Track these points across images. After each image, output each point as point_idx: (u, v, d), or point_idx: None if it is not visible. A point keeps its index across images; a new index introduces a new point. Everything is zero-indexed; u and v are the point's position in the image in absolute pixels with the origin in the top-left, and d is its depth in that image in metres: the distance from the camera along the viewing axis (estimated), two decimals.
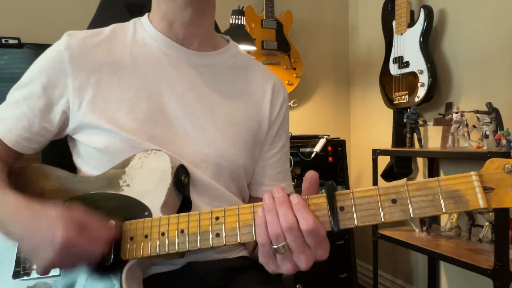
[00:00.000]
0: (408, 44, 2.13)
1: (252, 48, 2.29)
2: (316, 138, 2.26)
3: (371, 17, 2.66)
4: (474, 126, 1.81)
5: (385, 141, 2.47)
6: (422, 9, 2.06)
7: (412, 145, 2.05)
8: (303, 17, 2.75)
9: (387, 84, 2.30)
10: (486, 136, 1.66)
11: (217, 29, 1.08)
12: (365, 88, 2.77)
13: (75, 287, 0.71)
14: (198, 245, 0.65)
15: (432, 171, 2.18)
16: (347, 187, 2.34)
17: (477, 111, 1.74)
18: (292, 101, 2.52)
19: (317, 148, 2.20)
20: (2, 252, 0.77)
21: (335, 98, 2.89)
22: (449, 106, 2.05)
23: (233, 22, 2.21)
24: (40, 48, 0.84)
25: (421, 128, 2.03)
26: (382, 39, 2.36)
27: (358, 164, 2.85)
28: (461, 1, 2.04)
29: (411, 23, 2.13)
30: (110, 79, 0.81)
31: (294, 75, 2.59)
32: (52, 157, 0.93)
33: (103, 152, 0.78)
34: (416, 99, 2.08)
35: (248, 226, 0.63)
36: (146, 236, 0.68)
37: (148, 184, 0.73)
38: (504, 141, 1.56)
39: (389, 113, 2.40)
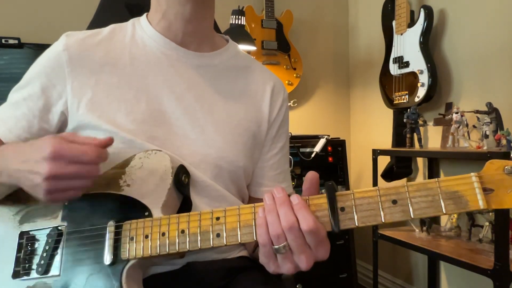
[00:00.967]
0: (408, 44, 2.13)
1: (252, 48, 2.29)
2: (316, 138, 2.26)
3: (371, 17, 2.66)
4: (474, 126, 1.81)
5: (385, 141, 2.47)
6: (422, 9, 2.06)
7: (412, 145, 2.05)
8: (303, 17, 2.75)
9: (387, 84, 2.30)
10: (486, 136, 1.66)
11: (217, 29, 1.08)
12: (365, 88, 2.77)
13: (75, 287, 0.71)
14: (199, 245, 0.65)
15: (432, 171, 2.19)
16: (347, 187, 2.34)
17: (477, 111, 1.74)
18: (292, 101, 2.52)
19: (317, 148, 2.20)
20: (1, 252, 0.77)
21: (335, 98, 2.89)
22: (449, 106, 2.05)
23: (233, 22, 2.21)
24: (40, 48, 0.84)
25: (421, 128, 2.03)
26: (382, 39, 2.36)
27: (358, 164, 2.85)
28: (461, 1, 2.04)
29: (411, 23, 2.13)
30: (109, 80, 0.81)
31: (294, 75, 2.59)
32: None
33: None
34: (416, 99, 2.08)
35: (248, 226, 0.63)
36: (146, 236, 0.68)
37: (148, 184, 0.73)
38: (504, 141, 1.56)
39: (389, 113, 2.40)
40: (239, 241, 0.63)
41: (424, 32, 2.05)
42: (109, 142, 0.67)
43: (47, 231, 0.75)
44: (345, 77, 2.93)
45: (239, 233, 0.63)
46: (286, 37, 2.59)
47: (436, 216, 2.13)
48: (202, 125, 0.83)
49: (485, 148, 1.64)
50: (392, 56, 2.24)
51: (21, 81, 0.83)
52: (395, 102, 2.23)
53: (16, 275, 0.75)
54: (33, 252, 0.75)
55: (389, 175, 2.30)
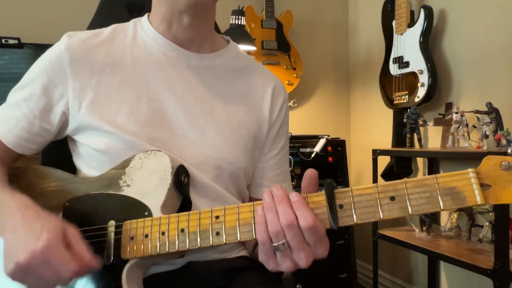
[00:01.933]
0: (408, 44, 2.13)
1: (252, 48, 2.29)
2: (316, 138, 2.26)
3: (371, 17, 2.67)
4: (474, 126, 1.81)
5: (385, 141, 2.47)
6: (422, 9, 2.06)
7: (412, 145, 2.05)
8: (303, 17, 2.75)
9: (387, 84, 2.30)
10: (486, 136, 1.66)
11: (217, 29, 1.08)
12: (365, 88, 2.77)
13: (75, 286, 0.71)
14: (198, 244, 0.65)
15: (432, 171, 2.18)
16: (347, 187, 2.33)
17: (477, 111, 1.74)
18: (292, 101, 2.52)
19: (317, 148, 2.20)
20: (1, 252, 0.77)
21: (335, 98, 2.89)
22: (449, 106, 2.05)
23: (233, 22, 2.22)
24: (40, 48, 0.84)
25: (421, 128, 2.03)
26: (382, 39, 2.36)
27: (358, 164, 2.85)
28: (461, 1, 2.04)
29: (411, 23, 2.13)
30: (111, 80, 0.81)
31: (294, 75, 2.59)
32: (52, 158, 0.93)
33: (104, 153, 0.78)
34: (416, 99, 2.08)
35: (248, 224, 0.63)
36: (146, 236, 0.68)
37: (148, 184, 0.74)
38: (504, 141, 1.56)
39: (389, 113, 2.40)
40: (239, 239, 0.63)
41: (424, 32, 2.06)
42: (98, 267, 0.65)
43: None
44: (345, 77, 2.93)
45: (238, 231, 0.63)
46: (286, 37, 2.59)
47: (435, 215, 2.13)
48: (202, 126, 0.83)
49: (485, 148, 1.64)
50: (392, 56, 2.24)
51: (21, 81, 0.83)
52: (395, 102, 2.23)
53: None
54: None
55: (389, 175, 2.30)
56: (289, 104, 1.00)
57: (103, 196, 0.75)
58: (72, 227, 0.66)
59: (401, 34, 2.17)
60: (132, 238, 0.69)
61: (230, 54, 0.92)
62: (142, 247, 0.68)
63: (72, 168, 0.86)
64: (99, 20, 1.08)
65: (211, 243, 0.64)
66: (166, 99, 0.82)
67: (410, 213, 0.57)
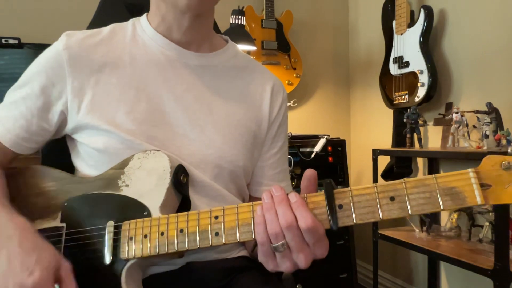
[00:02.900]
0: (408, 44, 2.13)
1: (252, 48, 2.29)
2: (316, 138, 2.26)
3: (371, 17, 2.66)
4: (474, 126, 1.81)
5: (385, 141, 2.47)
6: (422, 9, 2.06)
7: (412, 145, 2.05)
8: (303, 17, 2.75)
9: (387, 84, 2.30)
10: (486, 136, 1.66)
11: (217, 29, 1.08)
12: (365, 88, 2.77)
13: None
14: (198, 244, 0.65)
15: (432, 171, 2.18)
16: (347, 187, 2.33)
17: (477, 111, 1.74)
18: (292, 101, 2.52)
19: (317, 148, 2.20)
20: None
21: (335, 98, 2.89)
22: (449, 106, 2.05)
23: (233, 22, 2.22)
24: (40, 48, 0.84)
25: (421, 128, 2.03)
26: (382, 39, 2.36)
27: (358, 164, 2.85)
28: (461, 1, 2.04)
29: (411, 23, 2.13)
30: (109, 79, 0.81)
31: (294, 75, 2.59)
32: (52, 157, 0.93)
33: (102, 152, 0.78)
34: (416, 99, 2.08)
35: (247, 225, 0.63)
36: (145, 236, 0.68)
37: (147, 184, 0.73)
38: (504, 141, 1.56)
39: (389, 113, 2.40)
40: (238, 239, 0.63)
41: (424, 32, 2.05)
42: None
43: (47, 232, 0.75)
44: (345, 77, 2.93)
45: (237, 231, 0.63)
46: (286, 37, 2.59)
47: (435, 215, 2.13)
48: (201, 125, 0.83)
49: (485, 148, 1.64)
50: (392, 56, 2.24)
51: (20, 80, 0.83)
52: (395, 102, 2.23)
53: None
54: None
55: (389, 175, 2.30)
56: (289, 104, 1.00)
57: (102, 196, 0.75)
58: (66, 262, 0.66)
59: (401, 34, 2.17)
60: (131, 238, 0.69)
61: (229, 53, 0.92)
62: (141, 247, 0.68)
63: (71, 168, 0.86)
64: (99, 20, 1.07)
65: (210, 244, 0.64)
66: (165, 98, 0.82)
67: (410, 213, 0.57)
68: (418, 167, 2.34)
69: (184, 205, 0.77)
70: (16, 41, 1.92)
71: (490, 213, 1.69)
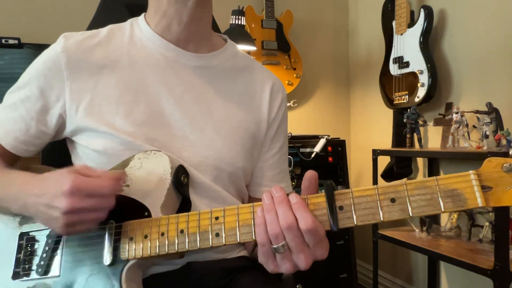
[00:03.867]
0: (408, 44, 2.13)
1: (252, 48, 2.29)
2: (316, 138, 2.26)
3: (371, 17, 2.66)
4: (474, 126, 1.81)
5: (385, 141, 2.46)
6: (422, 9, 2.06)
7: (412, 145, 2.05)
8: (303, 17, 2.75)
9: (387, 84, 2.29)
10: (486, 136, 1.66)
11: (217, 29, 1.08)
12: (365, 88, 2.77)
13: (75, 286, 0.71)
14: (198, 245, 0.65)
15: (432, 171, 2.18)
16: (347, 187, 2.33)
17: (477, 111, 1.74)
18: (292, 101, 2.52)
19: (317, 148, 2.20)
20: (1, 253, 0.77)
21: (335, 98, 2.89)
22: (449, 106, 2.05)
23: (233, 22, 2.21)
24: (40, 48, 0.83)
25: (421, 128, 2.03)
26: (382, 39, 2.36)
27: (358, 164, 2.85)
28: (461, 1, 2.04)
29: (411, 23, 2.13)
30: (108, 81, 0.80)
31: (294, 75, 2.59)
32: (52, 158, 0.93)
33: (102, 154, 0.78)
34: (416, 99, 2.08)
35: (247, 225, 0.63)
36: (145, 237, 0.68)
37: (147, 185, 0.73)
38: (504, 141, 1.56)
39: (389, 113, 2.40)
40: (238, 240, 0.63)
41: (424, 32, 2.05)
42: (123, 176, 0.69)
43: (47, 232, 0.75)
44: (345, 77, 2.93)
45: (238, 232, 0.63)
46: (286, 37, 2.59)
47: (436, 216, 2.13)
48: (201, 127, 0.83)
49: (485, 148, 1.64)
50: (392, 56, 2.24)
51: (18, 82, 0.83)
52: (395, 102, 2.23)
53: (16, 276, 0.75)
54: (33, 253, 0.75)
55: (389, 175, 2.30)
56: (289, 104, 1.00)
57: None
58: (78, 167, 0.68)
59: (401, 34, 2.17)
60: (131, 238, 0.69)
61: (228, 53, 0.92)
62: (142, 248, 0.68)
63: None
64: (99, 20, 1.07)
65: (210, 244, 0.64)
66: (165, 99, 0.82)
67: (410, 215, 0.57)
68: (418, 167, 2.34)
69: (185, 205, 0.76)
70: (16, 41, 1.92)
71: (490, 213, 1.69)
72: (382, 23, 2.35)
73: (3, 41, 1.90)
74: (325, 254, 0.60)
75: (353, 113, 2.93)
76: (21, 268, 0.75)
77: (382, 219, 0.57)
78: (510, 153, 1.42)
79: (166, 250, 0.66)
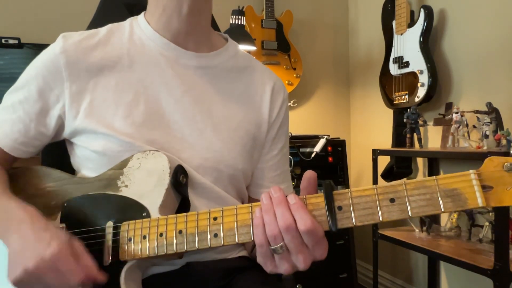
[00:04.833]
0: (408, 44, 2.13)
1: (252, 48, 2.29)
2: (316, 138, 2.26)
3: (371, 17, 2.66)
4: (474, 126, 1.81)
5: (385, 141, 2.46)
6: (422, 9, 2.06)
7: (412, 145, 2.05)
8: (303, 17, 2.75)
9: (387, 84, 2.29)
10: (486, 136, 1.66)
11: (217, 28, 1.08)
12: (365, 88, 2.77)
13: None
14: (196, 245, 0.64)
15: (432, 171, 2.18)
16: (347, 187, 2.33)
17: (477, 111, 1.73)
18: (292, 101, 2.52)
19: (317, 148, 2.20)
20: (1, 253, 0.77)
21: (335, 98, 2.89)
22: (449, 106, 2.05)
23: (233, 22, 2.21)
24: (40, 48, 0.83)
25: (421, 128, 2.03)
26: (382, 39, 2.36)
27: (358, 164, 2.85)
28: (461, 1, 2.04)
29: (411, 23, 2.13)
30: (108, 82, 0.80)
31: (294, 75, 2.59)
32: (52, 158, 0.93)
33: (101, 155, 0.78)
34: (416, 99, 2.07)
35: (246, 226, 0.62)
36: (144, 237, 0.68)
37: (146, 185, 0.73)
38: (504, 141, 1.56)
39: (389, 113, 2.39)
40: (237, 241, 0.62)
41: (424, 32, 2.05)
42: (101, 282, 0.66)
43: None
44: (345, 77, 2.93)
45: (236, 233, 0.63)
46: (286, 37, 2.59)
47: (435, 216, 2.13)
48: (201, 129, 0.82)
49: (485, 148, 1.64)
50: (392, 56, 2.23)
51: (17, 83, 0.82)
52: (395, 102, 2.23)
53: None
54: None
55: (389, 175, 2.30)
56: (289, 104, 0.99)
57: (101, 197, 0.75)
58: (77, 240, 0.67)
59: (401, 34, 2.17)
60: (130, 239, 0.69)
61: (229, 53, 0.91)
62: (140, 248, 0.68)
63: (71, 169, 0.86)
64: (99, 20, 1.07)
65: (209, 245, 0.64)
66: (164, 100, 0.81)
67: (410, 215, 0.56)
68: (418, 167, 2.34)
69: (184, 205, 0.76)
70: (16, 41, 1.92)
71: (490, 213, 1.69)
72: (382, 23, 2.35)
73: (3, 41, 1.90)
74: (324, 255, 0.60)
75: (353, 113, 2.92)
76: None
77: (381, 219, 0.57)
78: (511, 152, 1.42)
79: (165, 250, 0.66)
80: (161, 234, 0.67)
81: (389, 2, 2.28)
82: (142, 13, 0.88)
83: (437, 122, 1.98)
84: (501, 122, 1.66)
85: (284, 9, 2.62)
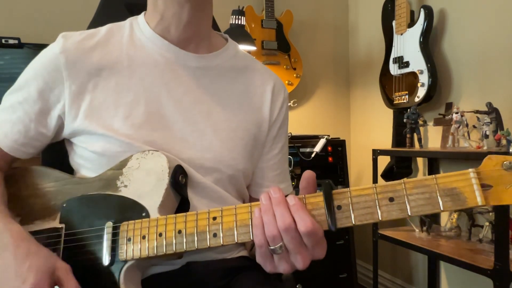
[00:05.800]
0: (408, 44, 2.13)
1: (252, 48, 2.29)
2: (316, 138, 2.26)
3: (371, 17, 2.66)
4: (474, 126, 1.81)
5: (385, 141, 2.46)
6: (422, 9, 2.06)
7: (412, 145, 2.04)
8: (303, 17, 2.75)
9: (387, 84, 2.29)
10: (486, 136, 1.66)
11: (217, 28, 1.08)
12: (365, 88, 2.77)
13: None
14: (196, 245, 0.64)
15: (432, 171, 2.18)
16: (347, 187, 2.33)
17: (477, 111, 1.73)
18: (292, 101, 2.52)
19: (317, 148, 2.20)
20: None
21: (335, 98, 2.89)
22: (449, 106, 2.05)
23: (233, 22, 2.21)
24: (40, 48, 0.83)
25: (421, 128, 2.03)
26: (382, 39, 2.36)
27: (358, 164, 2.85)
28: (461, 1, 2.04)
29: (411, 23, 2.13)
30: (107, 83, 0.79)
31: (294, 75, 2.59)
32: (52, 158, 0.92)
33: (101, 156, 0.78)
34: (416, 99, 2.07)
35: (245, 226, 0.62)
36: (143, 237, 0.68)
37: (145, 185, 0.73)
38: (504, 141, 1.56)
39: (389, 113, 2.39)
40: (236, 241, 0.62)
41: (424, 32, 2.05)
42: None
43: (46, 232, 0.75)
44: (345, 77, 2.93)
45: (235, 233, 0.63)
46: (286, 37, 2.59)
47: (435, 215, 2.13)
48: (201, 129, 0.82)
49: (485, 148, 1.64)
50: (392, 56, 2.23)
51: (16, 83, 0.82)
52: (395, 102, 2.23)
53: None
54: None
55: (389, 175, 2.30)
56: (289, 104, 0.99)
57: (101, 197, 0.75)
58: (62, 263, 0.67)
59: (401, 34, 2.17)
60: (129, 239, 0.69)
61: (229, 53, 0.91)
62: (139, 248, 0.67)
63: (70, 169, 0.86)
64: (99, 20, 1.07)
65: (208, 245, 0.64)
66: (164, 101, 0.81)
67: (409, 214, 0.56)
68: (418, 167, 2.34)
69: (183, 206, 0.76)
70: (16, 41, 1.92)
71: (490, 213, 1.69)
72: (382, 23, 2.35)
73: (3, 41, 1.90)
74: (323, 254, 0.60)
75: (353, 113, 2.92)
76: None
77: (380, 219, 0.57)
78: (510, 150, 1.42)
79: (164, 250, 0.66)
80: (160, 234, 0.67)
81: (389, 2, 2.28)
82: (142, 13, 0.88)
83: (437, 122, 1.98)
84: (501, 122, 1.66)
85: (284, 9, 2.62)
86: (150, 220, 0.69)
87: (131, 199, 0.72)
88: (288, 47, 2.58)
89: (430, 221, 1.99)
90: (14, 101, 0.80)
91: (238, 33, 2.19)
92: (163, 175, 0.73)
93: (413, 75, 2.11)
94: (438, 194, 0.55)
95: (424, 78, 2.04)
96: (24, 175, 0.84)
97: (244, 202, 0.91)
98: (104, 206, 0.74)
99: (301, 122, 2.73)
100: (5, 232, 0.70)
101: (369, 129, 2.75)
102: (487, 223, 1.74)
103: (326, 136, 2.25)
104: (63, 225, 0.75)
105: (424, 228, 1.99)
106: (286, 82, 2.55)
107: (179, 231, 0.66)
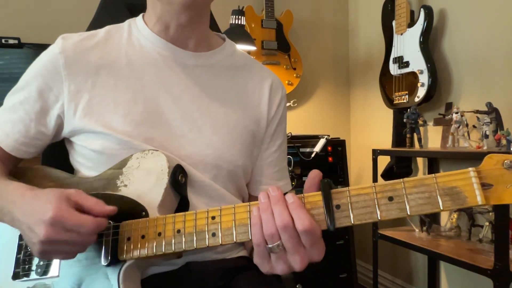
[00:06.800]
0: (408, 44, 2.13)
1: (252, 48, 2.29)
2: (316, 138, 2.26)
3: (371, 17, 2.66)
4: (474, 126, 1.81)
5: (385, 141, 2.46)
6: (422, 9, 2.06)
7: (412, 145, 2.05)
8: (303, 17, 2.75)
9: (387, 84, 2.29)
10: (486, 136, 1.66)
11: (217, 29, 1.08)
12: (365, 88, 2.77)
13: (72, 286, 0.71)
14: (195, 245, 0.64)
15: (432, 171, 2.18)
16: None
17: (477, 111, 1.73)
18: (292, 101, 2.52)
19: (317, 148, 2.20)
20: (1, 253, 0.77)
21: (335, 98, 2.89)
22: (449, 106, 2.05)
23: (233, 22, 2.21)
24: (40, 48, 0.84)
25: (421, 128, 2.02)
26: (382, 39, 2.36)
27: (358, 164, 2.85)
28: (461, 1, 2.04)
29: (411, 23, 2.13)
30: (106, 82, 0.80)
31: (294, 75, 2.59)
32: (52, 158, 0.93)
33: (100, 154, 0.78)
34: (416, 99, 2.07)
35: (244, 225, 0.62)
36: (142, 237, 0.68)
37: (145, 184, 0.73)
38: (504, 141, 1.56)
39: (389, 113, 2.39)
40: (235, 240, 0.62)
41: (424, 32, 2.05)
42: (113, 212, 0.68)
43: None
44: (345, 77, 2.93)
45: (234, 232, 0.63)
46: (286, 37, 2.59)
47: (435, 215, 2.13)
48: (200, 126, 0.83)
49: (485, 148, 1.64)
50: (392, 56, 2.23)
51: (17, 84, 0.83)
52: (395, 102, 2.23)
53: (16, 276, 0.75)
54: (32, 253, 0.75)
55: (389, 175, 2.30)
56: (289, 104, 1.00)
57: (100, 196, 0.74)
58: (72, 190, 0.68)
59: (401, 34, 2.17)
60: (128, 239, 0.69)
61: (226, 52, 0.92)
62: (139, 248, 0.67)
63: (71, 168, 0.86)
64: (99, 21, 1.07)
65: (207, 244, 0.64)
66: (163, 99, 0.82)
67: (408, 213, 0.56)
68: (418, 167, 2.34)
69: (183, 205, 0.76)
70: (16, 41, 1.92)
71: (490, 213, 1.68)
72: (382, 23, 2.35)
73: (3, 41, 1.90)
74: (321, 256, 0.60)
75: (353, 113, 2.92)
76: (21, 269, 0.75)
77: (379, 218, 0.57)
78: (510, 151, 1.42)
79: (163, 250, 0.66)
80: (159, 234, 0.67)
81: (389, 2, 2.28)
82: (141, 15, 0.89)
83: (437, 122, 1.98)
84: (501, 122, 1.66)
85: (284, 9, 2.62)
86: (149, 219, 0.69)
87: (131, 199, 0.73)
88: (288, 47, 2.58)
89: (430, 221, 1.99)
90: (16, 101, 0.81)
91: (238, 33, 2.19)
92: (162, 175, 0.73)
93: (413, 75, 2.11)
94: (437, 194, 0.55)
95: (424, 78, 2.04)
96: (25, 174, 0.84)
97: (243, 201, 0.91)
98: None
99: (301, 122, 2.73)
100: (9, 188, 0.73)
101: (369, 129, 2.75)
102: (487, 223, 1.74)
103: (326, 136, 2.25)
104: None
105: (424, 228, 1.99)
106: (286, 82, 2.55)
107: (178, 231, 0.66)
